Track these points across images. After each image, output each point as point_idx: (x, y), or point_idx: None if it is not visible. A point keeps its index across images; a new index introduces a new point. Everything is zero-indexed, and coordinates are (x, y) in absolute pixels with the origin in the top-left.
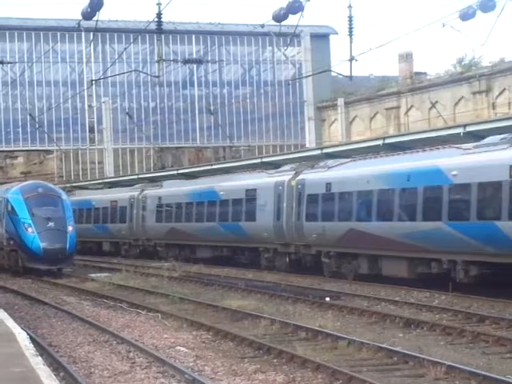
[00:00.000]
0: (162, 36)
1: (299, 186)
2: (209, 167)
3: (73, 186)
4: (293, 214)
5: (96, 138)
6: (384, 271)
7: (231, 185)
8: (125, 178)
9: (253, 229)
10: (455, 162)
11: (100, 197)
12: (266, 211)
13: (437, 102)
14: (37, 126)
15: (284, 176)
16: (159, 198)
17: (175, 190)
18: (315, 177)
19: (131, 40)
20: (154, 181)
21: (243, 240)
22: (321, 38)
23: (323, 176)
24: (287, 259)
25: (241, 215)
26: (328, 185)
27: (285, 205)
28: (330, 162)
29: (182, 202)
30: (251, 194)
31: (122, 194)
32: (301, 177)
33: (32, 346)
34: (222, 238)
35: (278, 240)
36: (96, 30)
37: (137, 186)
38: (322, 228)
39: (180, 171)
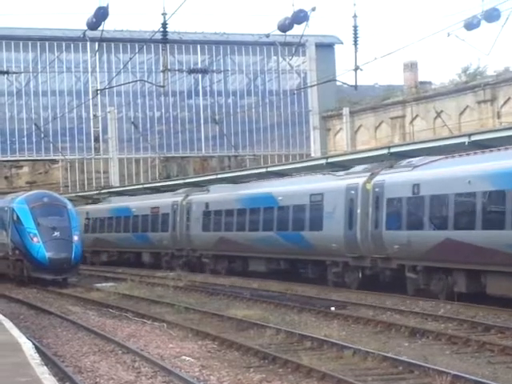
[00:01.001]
0: (167, 46)
1: (377, 189)
2: (214, 177)
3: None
4: (369, 222)
5: (101, 148)
6: (489, 289)
7: (292, 189)
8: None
9: (318, 239)
10: None
11: (139, 203)
12: (335, 219)
13: (442, 111)
14: (42, 135)
15: (357, 178)
16: (206, 204)
17: (225, 195)
18: (398, 178)
19: (136, 50)
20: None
21: (306, 252)
22: (326, 48)
23: (408, 176)
24: (360, 274)
25: (304, 224)
26: (415, 186)
27: (359, 211)
28: (415, 160)
29: (234, 209)
30: (317, 200)
31: (163, 200)
32: (378, 178)
33: (37, 355)
34: (281, 249)
35: (349, 252)
36: (101, 39)
37: (180, 190)
38: (407, 238)
39: (186, 181)
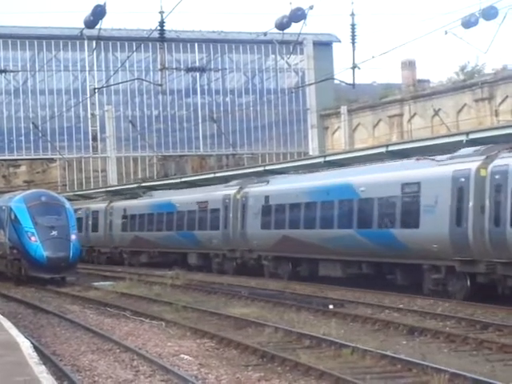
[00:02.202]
0: (165, 44)
1: (497, 177)
2: (212, 175)
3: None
4: (485, 218)
5: (99, 147)
6: None
7: (379, 178)
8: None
9: (414, 238)
10: None
11: (184, 197)
12: (437, 214)
13: (440, 109)
14: (40, 134)
15: (467, 163)
16: (266, 198)
17: (290, 186)
18: None
19: (134, 48)
20: (153, 188)
21: (397, 254)
22: (324, 46)
23: None
24: (468, 282)
25: (394, 219)
26: None
27: (471, 204)
28: None
29: (301, 202)
30: (411, 191)
31: (213, 194)
32: (499, 162)
33: (36, 354)
34: (363, 250)
35: (456, 255)
36: (99, 38)
37: (233, 182)
38: None
39: (183, 179)
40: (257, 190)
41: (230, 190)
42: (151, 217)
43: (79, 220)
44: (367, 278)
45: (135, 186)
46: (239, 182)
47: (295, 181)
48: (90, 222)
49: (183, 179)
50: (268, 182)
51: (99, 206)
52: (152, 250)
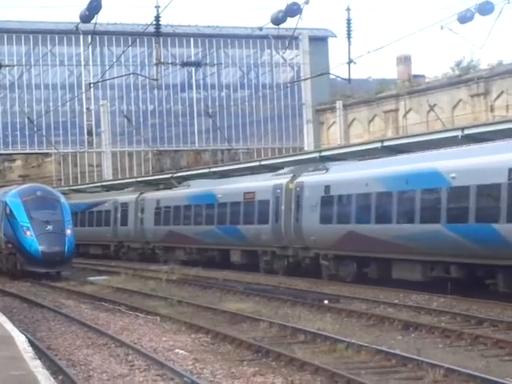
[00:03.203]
0: (161, 39)
1: None
2: (207, 170)
3: (177, 176)
4: None
5: (94, 141)
6: None
7: (475, 162)
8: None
9: None
10: None
11: (227, 188)
12: None
13: (435, 104)
14: (35, 129)
15: None
16: (326, 188)
17: (356, 174)
18: None
19: (129, 43)
20: (151, 184)
21: (499, 254)
22: (319, 41)
23: None
24: None
25: (498, 212)
26: None
27: None
28: None
29: (371, 193)
30: None
31: (261, 183)
32: None
33: (31, 349)
34: (453, 249)
35: None
36: (94, 32)
37: (284, 170)
38: None
39: (177, 174)
40: (314, 178)
41: (281, 179)
42: (188, 209)
43: (106, 213)
44: (455, 282)
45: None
46: (292, 170)
47: (362, 167)
48: (119, 215)
49: (177, 174)
50: (327, 169)
51: (129, 197)
52: (189, 246)
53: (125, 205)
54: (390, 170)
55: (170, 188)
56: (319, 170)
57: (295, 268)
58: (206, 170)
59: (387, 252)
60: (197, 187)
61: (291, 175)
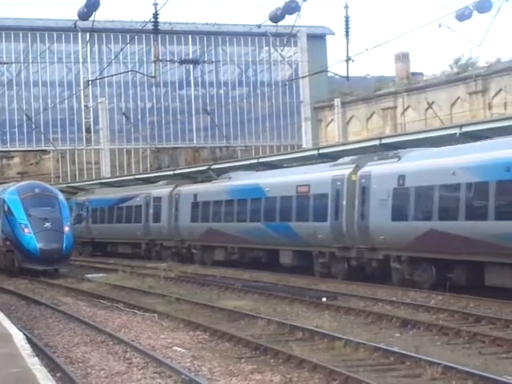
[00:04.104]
0: (159, 36)
1: None
2: (205, 167)
3: (214, 168)
4: None
5: (92, 139)
6: None
7: None
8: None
9: None
10: None
11: (278, 180)
12: None
13: (433, 102)
14: (33, 126)
15: None
16: (401, 178)
17: (438, 162)
18: None
19: (128, 40)
20: (150, 182)
21: None
22: (317, 39)
23: None
24: None
25: None
26: None
27: None
28: None
29: (460, 183)
30: None
31: (317, 175)
32: None
33: (28, 346)
34: None
35: None
36: (92, 30)
37: (345, 159)
38: None
39: (176, 171)
40: (384, 168)
41: (342, 170)
42: (230, 204)
43: (137, 208)
44: None
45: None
46: (354, 160)
47: (446, 154)
48: (151, 211)
49: (176, 172)
50: (399, 157)
51: (162, 191)
52: (230, 245)
53: (158, 199)
54: (485, 157)
55: (208, 181)
56: (389, 158)
57: (358, 272)
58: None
59: (478, 254)
60: (240, 180)
61: (354, 165)
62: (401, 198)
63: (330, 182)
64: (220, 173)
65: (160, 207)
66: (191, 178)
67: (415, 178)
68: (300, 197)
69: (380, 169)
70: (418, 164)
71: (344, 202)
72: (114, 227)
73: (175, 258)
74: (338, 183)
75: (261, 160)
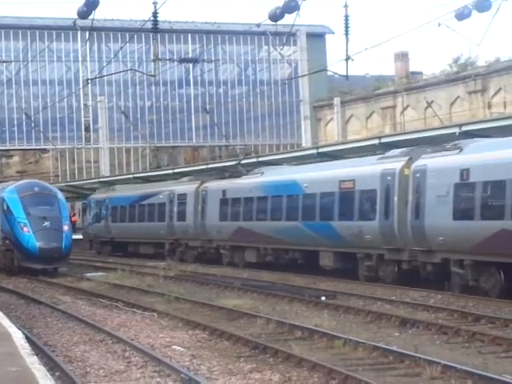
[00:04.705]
0: (158, 35)
1: None
2: (205, 166)
3: (244, 163)
4: None
5: (92, 137)
6: None
7: None
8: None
9: None
10: None
11: (317, 175)
12: None
13: (433, 101)
14: (32, 125)
15: None
16: (464, 173)
17: (507, 154)
18: None
19: (127, 39)
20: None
21: None
22: (317, 38)
23: None
24: None
25: None
26: None
27: None
28: None
29: None
30: None
31: (364, 169)
32: None
33: (28, 345)
34: None
35: None
36: (92, 28)
37: (395, 152)
38: None
39: (245, 161)
40: (443, 161)
41: (393, 163)
42: (263, 201)
43: (160, 206)
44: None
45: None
46: (406, 152)
47: None
48: (175, 209)
49: (176, 170)
50: (461, 148)
51: (187, 187)
52: (263, 245)
53: (182, 196)
54: None
55: (238, 176)
56: (448, 150)
57: (410, 276)
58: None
59: None
60: (274, 175)
61: (406, 158)
62: (464, 195)
63: (378, 176)
64: (251, 167)
65: (185, 205)
66: (218, 173)
67: (483, 171)
68: (343, 193)
69: (438, 162)
70: (486, 156)
71: (395, 199)
72: (136, 226)
73: (201, 257)
74: (389, 178)
75: (260, 159)
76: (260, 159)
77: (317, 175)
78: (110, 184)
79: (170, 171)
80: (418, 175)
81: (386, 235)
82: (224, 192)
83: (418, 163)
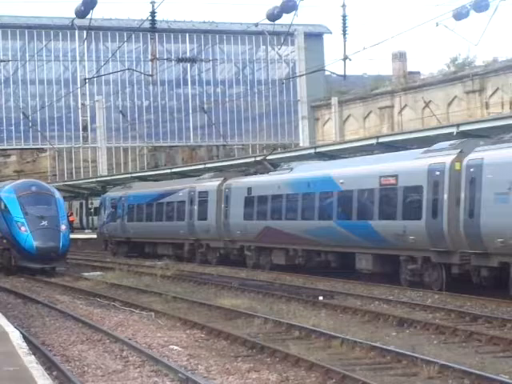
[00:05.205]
0: (156, 34)
1: None
2: (202, 166)
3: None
4: None
5: (89, 137)
6: None
7: None
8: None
9: None
10: None
11: (355, 170)
12: None
13: (430, 101)
14: (30, 124)
15: None
16: None
17: None
18: None
19: (125, 38)
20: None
21: None
22: (315, 37)
23: None
24: None
25: None
26: None
27: None
28: None
29: None
30: None
31: (408, 164)
32: None
33: (25, 344)
34: None
35: None
36: (90, 28)
37: (441, 145)
38: None
39: (174, 170)
40: (503, 154)
41: (441, 157)
42: (293, 199)
43: (180, 204)
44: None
45: (260, 157)
46: (455, 145)
47: None
48: (196, 207)
49: (173, 170)
50: None
51: (209, 184)
52: (292, 247)
53: (204, 194)
54: None
55: (264, 172)
56: (508, 141)
57: (461, 281)
58: (202, 166)
59: None
60: (305, 171)
61: (456, 151)
62: None
63: (425, 171)
64: (278, 163)
65: (206, 203)
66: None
67: None
68: (384, 190)
69: (497, 155)
70: None
71: (445, 197)
72: (153, 226)
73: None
74: (437, 173)
75: (258, 159)
76: (258, 159)
77: (354, 170)
78: (107, 184)
79: (168, 171)
80: (472, 170)
81: (433, 236)
82: (249, 189)
83: (473, 157)
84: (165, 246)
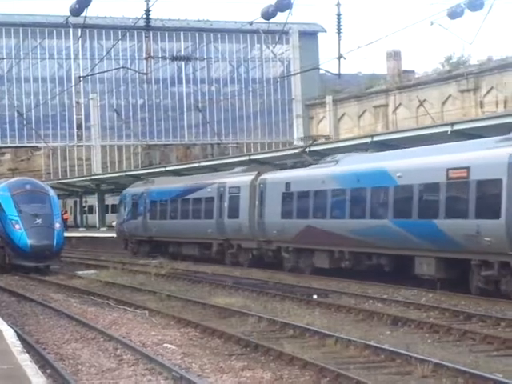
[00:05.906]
0: (151, 33)
1: None
2: (197, 164)
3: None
4: None
5: (84, 135)
6: None
7: None
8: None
9: None
10: None
11: (415, 162)
12: None
13: (425, 100)
14: (24, 122)
15: None
16: None
17: None
18: None
19: (119, 37)
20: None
21: None
22: (309, 36)
23: None
24: None
25: None
26: None
27: None
28: None
29: None
30: None
31: (482, 154)
32: None
33: (19, 342)
34: None
35: None
36: (84, 26)
37: None
38: None
39: (168, 168)
40: None
41: None
42: (340, 195)
43: (208, 201)
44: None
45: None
46: None
47: None
48: (226, 204)
49: (168, 168)
50: None
51: (241, 179)
52: (338, 248)
53: (235, 189)
54: None
55: (304, 166)
56: None
57: None
58: (196, 165)
59: None
60: (353, 163)
61: None
62: None
63: (505, 163)
64: (317, 156)
65: (238, 199)
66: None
67: None
68: (453, 184)
69: None
70: None
71: None
72: (178, 224)
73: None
74: None
75: (252, 157)
76: (252, 157)
77: (415, 162)
78: (101, 182)
79: (162, 169)
80: None
81: None
82: (288, 185)
83: None
84: (190, 246)
